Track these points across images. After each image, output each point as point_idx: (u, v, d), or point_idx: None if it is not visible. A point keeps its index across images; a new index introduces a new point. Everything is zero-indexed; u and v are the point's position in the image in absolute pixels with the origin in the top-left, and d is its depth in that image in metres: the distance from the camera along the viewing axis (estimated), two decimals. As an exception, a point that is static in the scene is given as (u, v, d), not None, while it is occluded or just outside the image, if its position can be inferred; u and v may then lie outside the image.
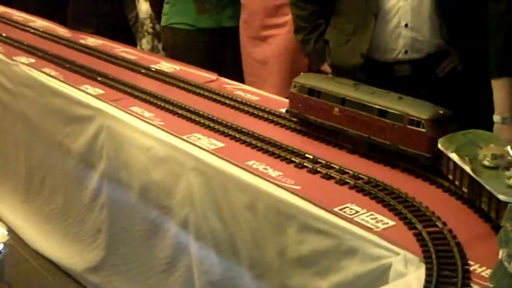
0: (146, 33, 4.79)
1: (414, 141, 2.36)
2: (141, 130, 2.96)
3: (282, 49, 3.89)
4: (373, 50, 3.25)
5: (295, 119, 2.84)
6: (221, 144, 2.72)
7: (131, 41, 5.00)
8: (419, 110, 2.37)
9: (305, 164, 2.49)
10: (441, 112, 2.37)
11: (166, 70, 3.71)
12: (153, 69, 3.70)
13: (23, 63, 3.93)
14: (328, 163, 2.48)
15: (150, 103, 3.21)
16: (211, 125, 2.89)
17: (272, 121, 2.93)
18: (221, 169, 2.55)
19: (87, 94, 3.37)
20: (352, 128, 2.56)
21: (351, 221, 2.12)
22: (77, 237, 3.59)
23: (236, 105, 3.12)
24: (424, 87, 3.24)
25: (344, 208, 2.19)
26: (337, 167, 2.45)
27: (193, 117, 2.99)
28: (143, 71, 3.71)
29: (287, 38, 3.90)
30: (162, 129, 2.89)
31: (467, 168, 2.11)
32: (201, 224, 2.67)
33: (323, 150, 2.63)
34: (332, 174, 2.41)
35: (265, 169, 2.48)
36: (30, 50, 4.25)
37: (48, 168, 3.78)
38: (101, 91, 3.42)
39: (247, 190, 2.43)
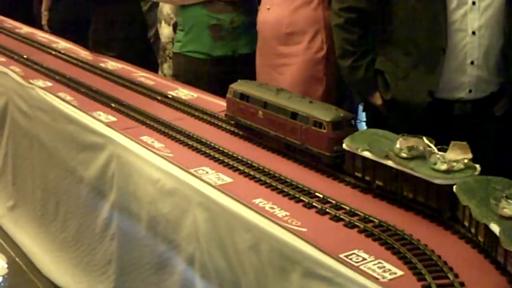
0: (167, 58, 4.71)
1: (317, 141, 2.59)
2: (150, 161, 2.87)
3: (294, 80, 3.77)
4: None
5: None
6: (229, 179, 2.61)
7: (154, 65, 4.94)
8: (322, 113, 2.60)
9: (313, 204, 2.37)
10: (342, 115, 2.60)
11: (183, 97, 3.62)
12: (170, 96, 3.61)
13: (39, 87, 3.87)
14: (338, 204, 2.36)
15: (162, 132, 3.12)
16: (221, 158, 2.79)
17: (285, 155, 2.82)
18: (226, 207, 2.44)
19: (99, 122, 3.29)
20: (272, 129, 2.81)
21: (356, 269, 1.99)
22: (88, 267, 3.50)
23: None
24: (482, 126, 3.12)
25: (351, 254, 2.06)
26: (347, 208, 2.33)
27: (203, 149, 2.89)
28: (159, 98, 3.62)
29: (300, 68, 3.78)
30: (170, 161, 2.79)
31: (389, 162, 2.29)
32: (206, 262, 2.56)
33: (334, 188, 2.51)
34: (341, 216, 2.28)
35: (272, 208, 2.36)
36: (48, 73, 4.20)
37: (62, 194, 3.71)
38: (114, 119, 3.35)
39: (251, 230, 2.31)
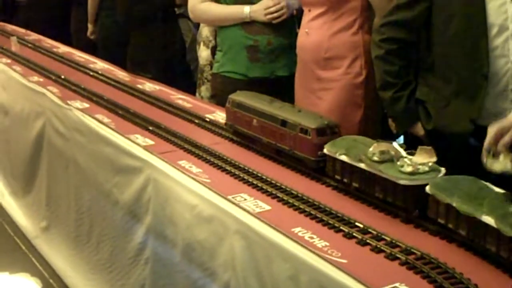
0: (205, 80, 4.70)
1: (303, 147, 2.81)
2: (187, 186, 2.84)
3: (333, 105, 3.72)
4: None
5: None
6: (267, 207, 2.57)
7: (192, 87, 4.93)
8: (308, 121, 2.83)
9: (354, 234, 2.33)
10: (326, 122, 2.82)
11: (221, 120, 3.58)
12: (208, 120, 3.58)
13: (77, 108, 3.87)
14: (379, 234, 2.31)
15: (199, 157, 3.09)
16: (259, 184, 2.75)
17: (324, 182, 2.78)
18: (264, 235, 2.39)
19: (136, 145, 3.28)
20: (265, 136, 3.03)
21: (399, 304, 1.95)
22: (122, 291, 3.48)
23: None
24: None
25: (393, 288, 2.02)
26: (388, 239, 2.28)
27: (241, 175, 2.85)
28: (197, 121, 3.60)
29: (338, 93, 3.73)
30: (208, 187, 2.76)
31: (362, 165, 2.51)
32: (242, 291, 2.52)
33: (375, 218, 2.46)
34: (382, 248, 2.23)
35: (311, 237, 2.32)
36: (85, 94, 4.20)
37: (96, 216, 3.70)
38: (151, 142, 3.33)
39: (290, 260, 2.27)
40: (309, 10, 3.81)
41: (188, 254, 2.84)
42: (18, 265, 4.18)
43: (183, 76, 5.09)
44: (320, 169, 2.78)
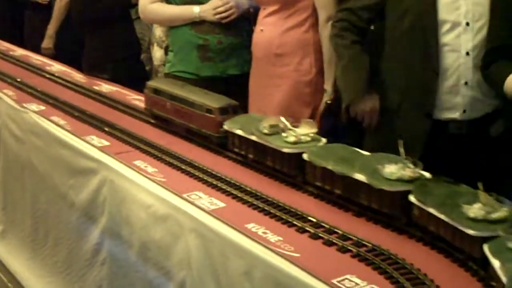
0: (160, 81, 4.69)
1: (209, 125, 3.11)
2: (142, 186, 2.84)
3: (282, 101, 3.77)
4: None
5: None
6: (222, 204, 2.59)
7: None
8: (213, 101, 3.13)
9: (306, 228, 2.35)
10: (228, 103, 3.13)
11: (177, 120, 3.59)
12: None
13: (33, 111, 3.84)
14: (331, 228, 2.33)
15: (155, 157, 3.10)
16: (214, 182, 2.77)
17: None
18: (219, 232, 2.40)
19: (92, 146, 3.27)
20: (177, 117, 3.32)
21: (349, 295, 1.97)
22: (80, 293, 3.46)
23: (243, 160, 2.99)
24: (477, 146, 3.11)
25: (343, 280, 2.03)
26: (340, 232, 2.30)
27: (196, 173, 2.87)
28: (153, 121, 3.59)
29: (287, 90, 3.77)
30: (163, 186, 2.76)
31: (253, 137, 2.80)
32: (198, 289, 2.52)
33: (327, 212, 2.48)
34: (334, 241, 2.26)
35: (265, 233, 2.34)
36: (41, 97, 4.18)
37: (52, 219, 3.67)
38: (107, 143, 3.32)
39: (244, 256, 2.28)
40: (264, 8, 3.85)
41: (144, 253, 2.84)
42: (-24, 271, 4.16)
43: (140, 76, 5.06)
44: (223, 144, 3.06)
